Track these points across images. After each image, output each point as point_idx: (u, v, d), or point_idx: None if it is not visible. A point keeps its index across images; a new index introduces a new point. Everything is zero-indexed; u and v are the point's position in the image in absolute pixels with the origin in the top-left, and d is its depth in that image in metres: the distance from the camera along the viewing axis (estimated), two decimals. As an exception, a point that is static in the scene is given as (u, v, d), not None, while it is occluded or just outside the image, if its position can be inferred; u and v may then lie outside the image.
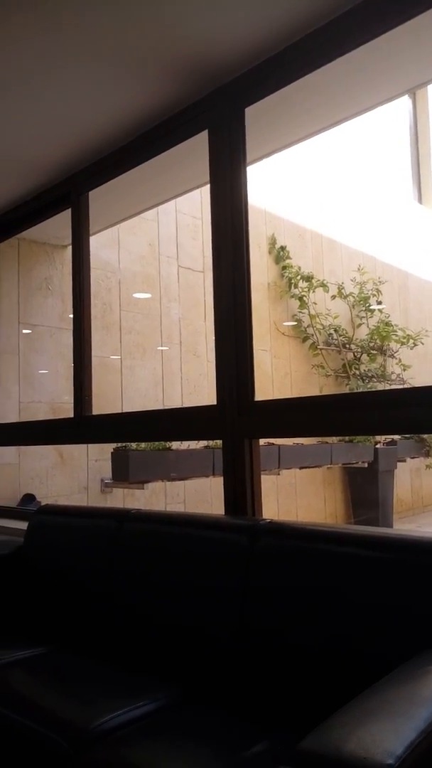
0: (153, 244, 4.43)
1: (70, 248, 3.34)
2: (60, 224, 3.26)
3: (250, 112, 2.16)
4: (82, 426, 2.85)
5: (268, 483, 4.79)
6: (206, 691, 1.66)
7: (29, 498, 3.57)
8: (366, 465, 5.89)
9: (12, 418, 3.56)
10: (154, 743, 1.34)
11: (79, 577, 2.19)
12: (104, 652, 1.96)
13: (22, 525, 2.74)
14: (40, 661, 1.88)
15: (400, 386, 6.07)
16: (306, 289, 5.74)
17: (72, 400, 2.92)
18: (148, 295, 4.41)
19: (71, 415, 2.92)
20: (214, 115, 2.22)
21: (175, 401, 4.45)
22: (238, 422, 2.10)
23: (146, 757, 1.27)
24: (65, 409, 3.73)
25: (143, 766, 1.24)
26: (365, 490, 6.03)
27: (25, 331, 3.74)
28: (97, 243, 3.55)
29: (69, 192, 2.96)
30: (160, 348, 4.46)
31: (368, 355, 6.33)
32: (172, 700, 1.59)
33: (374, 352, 6.37)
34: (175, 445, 3.96)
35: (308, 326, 5.85)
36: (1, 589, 2.39)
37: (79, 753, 1.34)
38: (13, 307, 3.68)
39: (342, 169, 6.63)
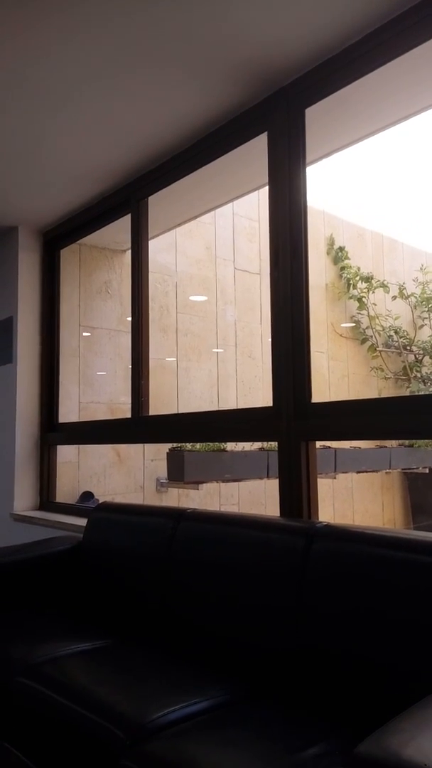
0: (209, 247, 4.46)
1: (128, 253, 3.42)
2: (119, 229, 3.34)
3: (308, 113, 2.15)
4: (139, 426, 2.91)
5: (324, 487, 4.73)
6: (262, 691, 1.66)
7: (88, 495, 3.66)
8: (427, 470, 5.70)
9: (72, 418, 3.66)
10: (210, 739, 1.35)
11: (135, 573, 2.23)
12: (159, 647, 1.98)
13: (82, 521, 2.82)
14: (98, 653, 1.93)
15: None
16: (365, 290, 5.63)
17: (129, 401, 2.99)
18: (204, 298, 4.45)
19: (128, 415, 2.99)
20: (274, 117, 2.22)
21: (230, 403, 4.46)
22: (294, 424, 2.09)
23: (202, 752, 1.28)
24: (122, 409, 3.81)
25: (199, 760, 1.25)
26: (426, 496, 5.84)
27: (85, 334, 3.85)
28: (155, 247, 3.61)
29: (129, 198, 3.03)
30: (216, 350, 4.49)
31: (431, 358, 6.14)
32: (228, 698, 1.60)
33: (437, 354, 6.16)
34: (230, 446, 3.97)
35: (367, 328, 5.73)
36: (61, 582, 2.47)
37: (135, 745, 1.37)
38: (74, 311, 3.80)
39: (404, 167, 6.46)
